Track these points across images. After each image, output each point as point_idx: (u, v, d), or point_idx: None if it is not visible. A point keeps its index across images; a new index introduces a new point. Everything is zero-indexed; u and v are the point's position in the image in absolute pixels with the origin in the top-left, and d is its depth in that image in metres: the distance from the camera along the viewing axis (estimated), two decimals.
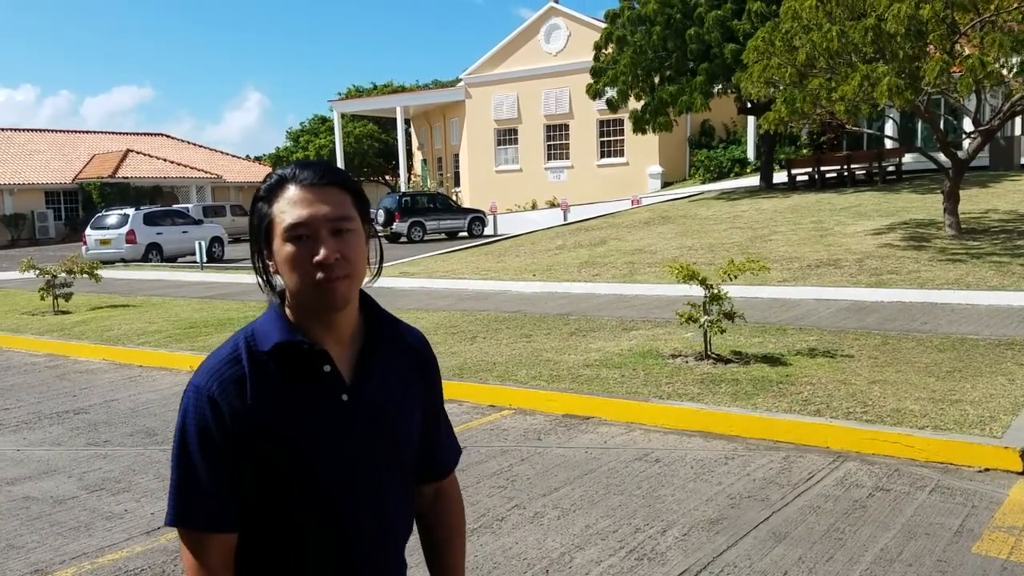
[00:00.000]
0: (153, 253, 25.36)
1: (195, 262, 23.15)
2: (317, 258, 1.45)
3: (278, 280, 1.55)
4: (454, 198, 34.68)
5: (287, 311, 1.54)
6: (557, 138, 36.10)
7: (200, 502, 1.47)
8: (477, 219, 29.51)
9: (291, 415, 1.48)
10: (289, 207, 1.47)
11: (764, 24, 17.90)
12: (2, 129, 47.12)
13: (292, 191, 1.49)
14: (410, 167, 43.54)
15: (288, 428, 1.47)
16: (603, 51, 25.44)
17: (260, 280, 1.57)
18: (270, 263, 1.53)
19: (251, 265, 1.57)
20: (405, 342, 1.68)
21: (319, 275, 1.46)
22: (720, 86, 23.76)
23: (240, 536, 1.52)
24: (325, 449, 1.50)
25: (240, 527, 1.51)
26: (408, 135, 44.66)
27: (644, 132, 25.17)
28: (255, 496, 1.50)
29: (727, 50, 21.94)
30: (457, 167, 40.30)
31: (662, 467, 5.46)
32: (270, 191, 1.52)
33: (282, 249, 1.48)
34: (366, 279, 1.57)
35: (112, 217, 25.86)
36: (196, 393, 1.48)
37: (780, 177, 25.90)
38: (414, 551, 1.99)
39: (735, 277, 7.88)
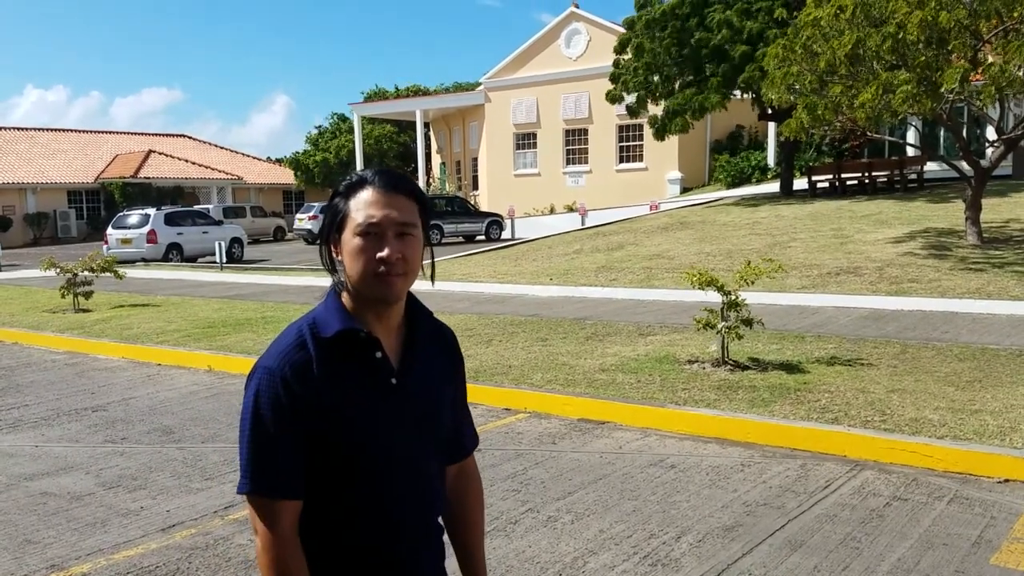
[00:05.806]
0: (173, 253, 25.56)
1: (215, 262, 23.33)
2: (381, 255, 1.62)
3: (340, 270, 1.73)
4: (472, 201, 34.72)
5: (344, 301, 1.70)
6: (576, 143, 36.06)
7: (274, 472, 1.61)
8: (495, 223, 29.55)
9: (351, 395, 1.64)
10: (364, 207, 1.65)
11: (777, 22, 17.80)
12: (26, 129, 47.71)
13: (368, 193, 1.66)
14: (428, 170, 43.63)
15: (348, 406, 1.63)
16: (621, 58, 25.46)
17: (327, 265, 1.73)
18: (335, 251, 1.70)
19: (318, 254, 1.75)
20: (440, 334, 1.85)
21: (380, 268, 1.62)
22: (738, 91, 23.67)
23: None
24: (380, 426, 1.66)
25: (305, 495, 1.64)
26: (427, 138, 44.78)
27: (663, 138, 25.14)
28: (314, 470, 1.64)
29: (736, 51, 21.88)
30: (475, 170, 40.36)
31: (677, 473, 5.44)
32: (349, 189, 1.69)
33: (351, 241, 1.64)
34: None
35: (133, 217, 26.09)
36: (269, 374, 1.62)
37: (801, 184, 25.75)
38: None
39: (753, 281, 7.83)
